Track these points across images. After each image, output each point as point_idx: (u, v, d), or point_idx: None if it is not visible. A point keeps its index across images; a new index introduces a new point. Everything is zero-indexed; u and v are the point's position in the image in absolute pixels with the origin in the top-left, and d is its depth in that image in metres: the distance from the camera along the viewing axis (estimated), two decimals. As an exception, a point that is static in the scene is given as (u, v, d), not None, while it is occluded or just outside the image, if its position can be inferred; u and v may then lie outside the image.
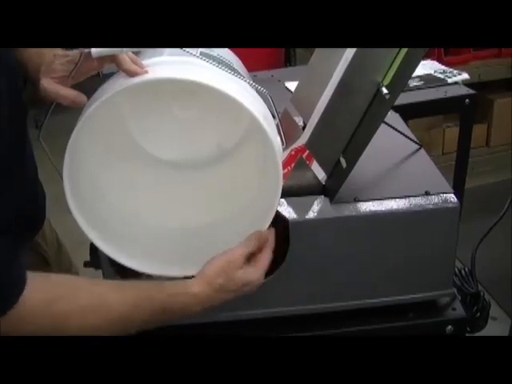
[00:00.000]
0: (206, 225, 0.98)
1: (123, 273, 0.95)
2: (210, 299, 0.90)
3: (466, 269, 1.11)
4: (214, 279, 0.89)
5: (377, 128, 0.90)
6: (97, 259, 0.97)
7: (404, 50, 0.88)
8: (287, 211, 0.93)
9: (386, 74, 0.90)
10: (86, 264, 1.01)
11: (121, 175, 0.97)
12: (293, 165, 1.03)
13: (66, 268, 1.26)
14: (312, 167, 0.99)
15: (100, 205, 0.94)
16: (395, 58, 0.89)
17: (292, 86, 1.90)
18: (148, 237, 0.97)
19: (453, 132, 2.91)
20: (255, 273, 0.91)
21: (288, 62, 3.77)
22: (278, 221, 0.93)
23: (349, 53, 0.98)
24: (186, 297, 0.89)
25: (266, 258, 0.92)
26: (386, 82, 0.90)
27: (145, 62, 0.86)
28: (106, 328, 0.88)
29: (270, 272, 0.95)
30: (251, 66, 2.39)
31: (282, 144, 0.92)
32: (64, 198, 0.88)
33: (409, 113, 1.42)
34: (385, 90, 0.89)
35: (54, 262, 1.19)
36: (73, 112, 0.93)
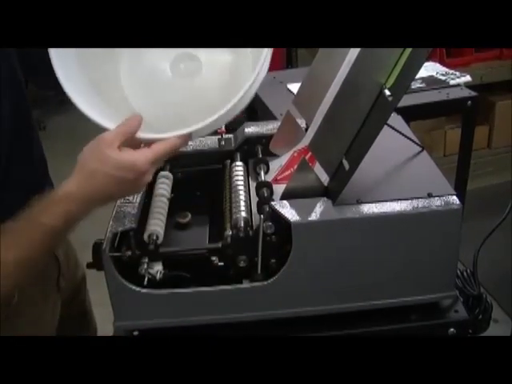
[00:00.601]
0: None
1: (125, 274, 0.96)
2: (87, 191, 0.83)
3: (468, 270, 1.11)
4: (84, 164, 0.83)
5: (380, 130, 0.91)
6: (99, 260, 0.97)
7: (407, 52, 0.88)
8: (290, 213, 0.93)
9: (389, 76, 0.90)
10: (89, 265, 1.01)
11: None
12: (295, 166, 1.04)
13: (73, 265, 1.27)
14: (314, 169, 0.99)
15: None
16: (398, 59, 0.89)
17: (294, 87, 1.91)
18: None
19: (454, 134, 2.92)
20: (139, 155, 0.83)
21: (289, 63, 3.77)
22: (281, 222, 0.93)
23: (352, 54, 0.98)
24: (59, 205, 0.83)
25: (157, 145, 0.85)
26: (388, 84, 0.90)
27: None
28: None
29: (272, 273, 0.95)
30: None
31: None
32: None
33: (411, 114, 1.42)
34: (388, 92, 0.89)
35: (62, 258, 1.20)
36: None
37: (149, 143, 0.87)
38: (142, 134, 0.87)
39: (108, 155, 0.82)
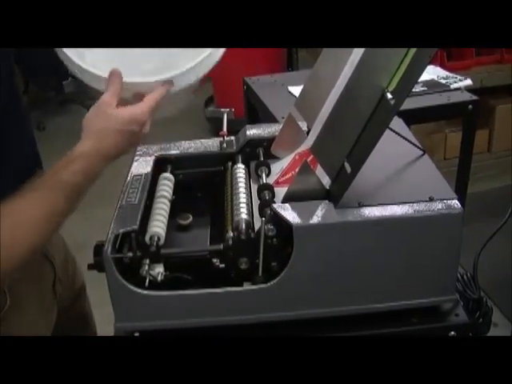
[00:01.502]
0: None
1: (126, 275, 0.96)
2: (101, 148, 0.93)
3: (469, 274, 1.11)
4: (92, 126, 0.94)
5: (382, 134, 0.91)
6: (100, 262, 0.97)
7: (410, 56, 0.88)
8: (291, 216, 0.93)
9: (391, 80, 0.90)
10: (90, 266, 1.01)
11: None
12: (297, 169, 1.04)
13: (72, 273, 1.27)
14: (316, 172, 0.99)
15: None
16: (401, 63, 0.89)
17: (295, 90, 1.91)
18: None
19: (455, 137, 2.92)
20: (137, 108, 0.95)
21: (290, 66, 3.78)
22: (282, 225, 0.93)
23: (354, 57, 0.98)
24: (77, 163, 0.91)
25: (148, 97, 0.97)
26: (391, 88, 0.90)
27: None
28: (26, 234, 0.88)
29: (273, 276, 0.95)
30: (254, 71, 2.43)
31: None
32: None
33: (412, 118, 1.42)
34: (390, 96, 0.89)
35: (59, 268, 1.20)
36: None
37: (138, 98, 0.97)
38: (129, 79, 0.97)
39: (111, 114, 0.94)
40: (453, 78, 2.04)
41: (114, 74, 0.96)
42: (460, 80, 2.01)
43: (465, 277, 1.11)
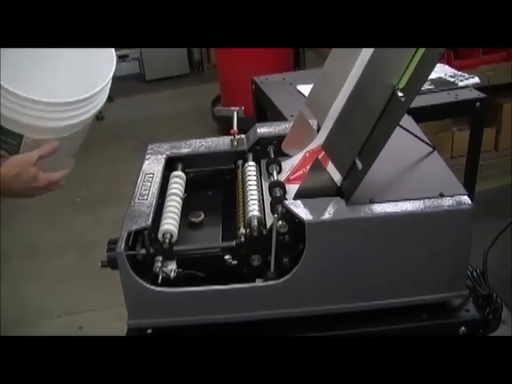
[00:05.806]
0: None
1: (140, 272, 0.97)
2: (6, 184, 1.08)
3: (478, 271, 1.11)
4: (11, 169, 1.09)
5: (392, 131, 0.91)
6: (114, 259, 0.97)
7: (419, 54, 0.89)
8: (303, 212, 0.94)
9: (401, 77, 0.91)
10: (103, 264, 1.02)
11: None
12: (308, 166, 1.04)
13: None
14: (328, 169, 1.00)
15: None
16: (411, 60, 0.90)
17: (304, 88, 1.91)
18: None
19: (462, 136, 2.92)
20: (45, 177, 1.12)
21: (297, 65, 3.79)
22: (294, 221, 0.94)
23: (364, 56, 0.99)
24: None
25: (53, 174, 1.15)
26: (401, 85, 0.91)
27: None
28: None
29: (285, 272, 0.96)
30: (260, 70, 2.42)
31: None
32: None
33: (420, 116, 1.42)
34: (400, 93, 0.90)
35: None
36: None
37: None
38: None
39: (30, 169, 1.11)
40: (460, 76, 2.04)
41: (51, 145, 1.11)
42: (467, 78, 2.01)
43: (474, 273, 1.11)
